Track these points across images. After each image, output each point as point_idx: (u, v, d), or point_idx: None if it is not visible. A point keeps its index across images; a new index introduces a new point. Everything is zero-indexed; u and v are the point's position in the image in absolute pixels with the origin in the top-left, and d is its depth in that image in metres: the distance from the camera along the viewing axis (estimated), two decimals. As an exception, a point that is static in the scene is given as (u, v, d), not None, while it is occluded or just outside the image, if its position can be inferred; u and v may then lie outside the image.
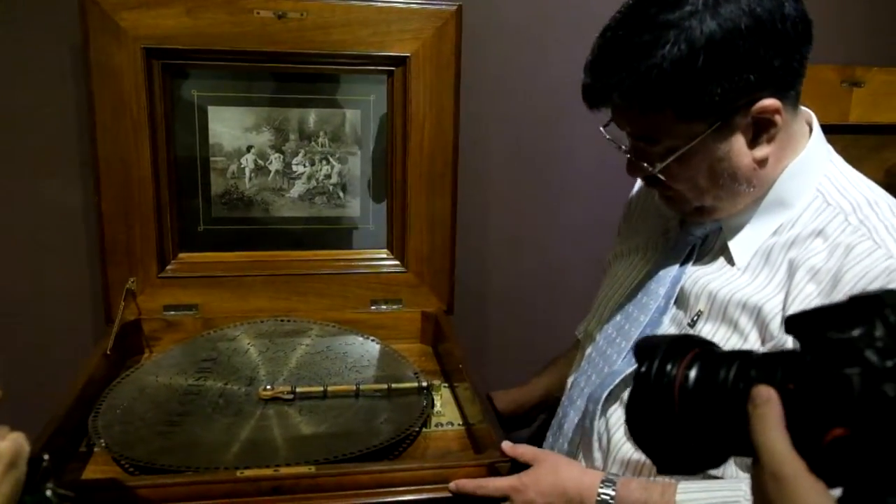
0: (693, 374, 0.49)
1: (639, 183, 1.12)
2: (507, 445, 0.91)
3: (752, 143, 0.82)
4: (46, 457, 0.61)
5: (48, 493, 0.60)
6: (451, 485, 0.87)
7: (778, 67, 0.78)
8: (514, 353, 1.61)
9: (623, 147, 0.89)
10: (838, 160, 0.89)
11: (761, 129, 0.81)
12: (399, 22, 1.26)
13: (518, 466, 0.89)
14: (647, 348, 0.51)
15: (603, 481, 0.84)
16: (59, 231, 1.39)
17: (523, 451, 0.90)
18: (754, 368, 0.47)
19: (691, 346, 0.50)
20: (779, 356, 0.47)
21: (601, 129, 0.89)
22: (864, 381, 0.42)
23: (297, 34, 1.23)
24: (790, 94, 0.81)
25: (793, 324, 0.46)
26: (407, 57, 1.27)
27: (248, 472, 0.84)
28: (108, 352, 1.15)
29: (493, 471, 0.89)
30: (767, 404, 0.45)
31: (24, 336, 1.41)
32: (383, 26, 1.25)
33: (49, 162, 1.35)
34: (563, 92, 1.50)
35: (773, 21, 0.76)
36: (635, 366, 0.52)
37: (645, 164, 0.85)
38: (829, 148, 0.89)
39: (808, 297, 0.78)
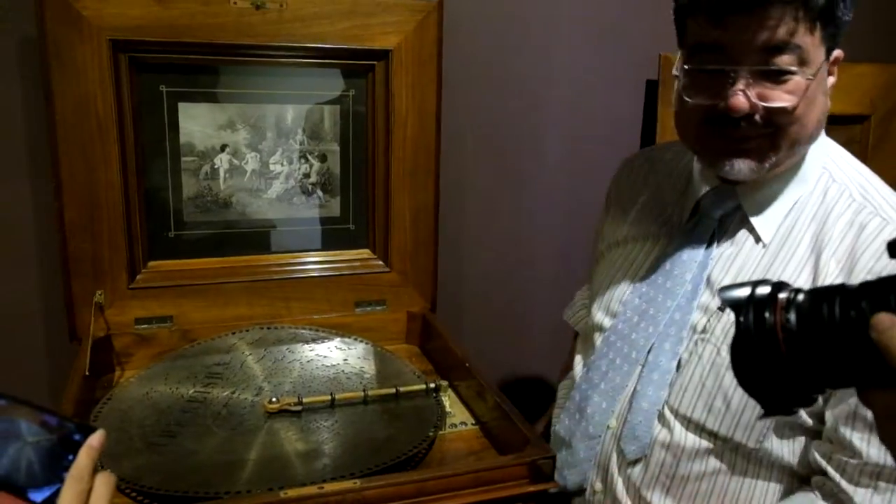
0: (793, 316, 0.49)
1: (617, 174, 1.13)
2: None
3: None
4: None
5: None
6: None
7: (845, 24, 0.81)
8: (491, 349, 1.61)
9: (730, 71, 0.80)
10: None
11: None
12: (381, 15, 1.22)
13: None
14: (735, 299, 0.51)
15: None
16: (2, 243, 1.26)
17: None
18: (864, 299, 0.47)
19: (774, 291, 0.51)
20: (882, 284, 0.47)
21: (681, 67, 0.84)
22: None
23: (275, 26, 1.17)
24: None
25: None
26: (389, 51, 1.23)
27: (292, 493, 0.79)
28: (87, 373, 1.05)
29: (535, 468, 0.88)
30: (893, 328, 0.45)
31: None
32: (364, 19, 1.21)
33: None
34: (538, 86, 1.52)
35: None
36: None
37: (790, 75, 0.79)
38: None
39: (831, 274, 0.82)
